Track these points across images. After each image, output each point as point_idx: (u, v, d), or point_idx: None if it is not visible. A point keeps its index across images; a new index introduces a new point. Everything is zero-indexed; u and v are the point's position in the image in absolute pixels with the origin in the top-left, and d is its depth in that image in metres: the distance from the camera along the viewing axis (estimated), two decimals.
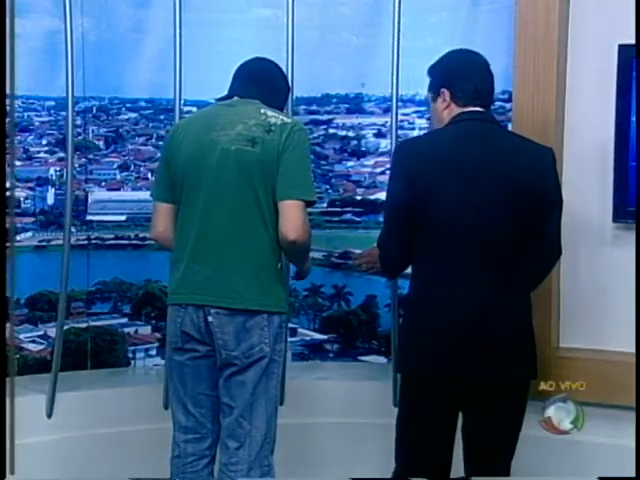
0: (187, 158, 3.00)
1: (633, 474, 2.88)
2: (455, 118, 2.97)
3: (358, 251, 3.77)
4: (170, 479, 3.17)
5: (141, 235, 4.14)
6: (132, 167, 4.16)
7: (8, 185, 3.70)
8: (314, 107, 4.20)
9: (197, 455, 3.12)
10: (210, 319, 2.96)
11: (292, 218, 2.89)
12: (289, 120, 2.99)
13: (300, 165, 2.95)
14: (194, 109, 3.99)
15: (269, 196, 2.92)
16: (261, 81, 3.09)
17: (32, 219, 4.03)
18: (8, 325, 3.70)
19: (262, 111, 2.98)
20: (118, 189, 4.14)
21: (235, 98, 3.07)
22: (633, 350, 3.38)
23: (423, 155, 2.92)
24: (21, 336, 3.99)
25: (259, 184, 2.91)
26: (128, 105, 4.13)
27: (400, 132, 3.88)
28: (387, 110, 3.96)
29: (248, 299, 2.95)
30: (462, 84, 2.99)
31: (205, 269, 2.97)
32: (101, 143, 4.12)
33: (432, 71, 3.09)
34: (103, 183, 4.12)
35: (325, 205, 4.21)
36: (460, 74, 3.01)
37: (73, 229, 3.90)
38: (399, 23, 3.74)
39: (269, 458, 3.05)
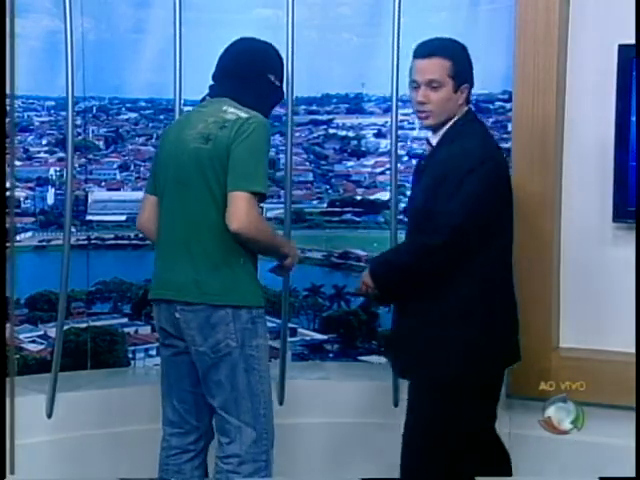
0: (163, 156, 3.13)
1: (633, 474, 2.88)
2: (473, 118, 3.04)
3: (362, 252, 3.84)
4: (160, 478, 3.19)
5: (141, 235, 4.13)
6: (132, 167, 4.16)
7: (8, 185, 3.71)
8: (314, 107, 4.19)
9: (180, 449, 3.16)
10: (177, 315, 3.02)
11: (235, 209, 2.90)
12: (245, 115, 2.99)
13: (249, 157, 2.95)
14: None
15: (224, 192, 2.95)
16: (232, 76, 3.11)
17: (32, 219, 4.02)
18: (8, 325, 3.71)
19: (224, 108, 3.02)
20: (118, 189, 4.14)
21: (207, 99, 3.16)
22: (633, 350, 3.38)
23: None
24: (21, 336, 3.99)
25: (213, 180, 2.96)
26: (128, 105, 4.13)
27: (400, 132, 3.89)
28: (387, 110, 3.96)
29: (209, 294, 2.98)
30: (473, 85, 3.05)
31: (172, 265, 3.04)
32: (101, 143, 4.12)
33: (459, 57, 3.01)
34: (103, 183, 4.12)
35: (325, 205, 4.21)
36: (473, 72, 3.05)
37: (73, 229, 3.90)
38: (399, 23, 3.74)
39: (267, 454, 3.05)
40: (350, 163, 4.24)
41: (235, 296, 3.00)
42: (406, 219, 3.29)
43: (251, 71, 3.10)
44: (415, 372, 3.03)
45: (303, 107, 4.15)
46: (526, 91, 3.59)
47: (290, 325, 4.08)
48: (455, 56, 2.97)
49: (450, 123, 2.99)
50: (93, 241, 4.09)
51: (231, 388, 3.01)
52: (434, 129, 3.03)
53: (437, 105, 2.96)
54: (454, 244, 2.86)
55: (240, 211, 2.89)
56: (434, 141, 3.03)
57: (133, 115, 4.13)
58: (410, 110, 4.05)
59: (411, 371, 3.06)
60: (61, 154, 3.98)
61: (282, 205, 3.87)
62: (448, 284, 2.90)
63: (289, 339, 4.05)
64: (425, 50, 2.98)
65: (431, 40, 3.01)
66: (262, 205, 3.10)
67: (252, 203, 2.91)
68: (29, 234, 4.02)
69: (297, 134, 4.09)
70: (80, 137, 4.02)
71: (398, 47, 3.73)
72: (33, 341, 4.03)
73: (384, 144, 4.13)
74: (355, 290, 3.34)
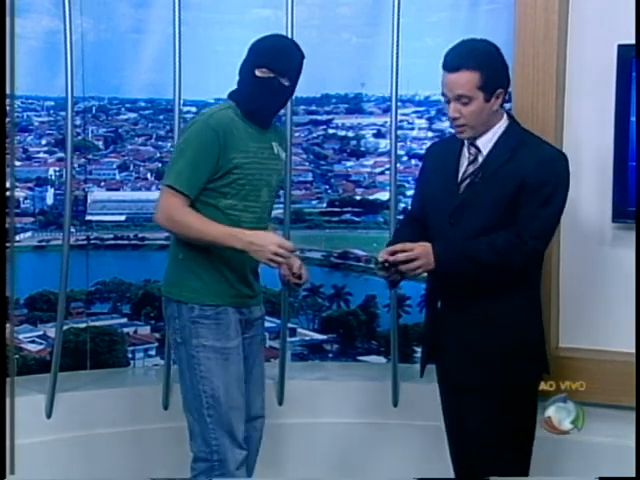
0: None
1: (633, 474, 2.88)
2: (514, 121, 2.96)
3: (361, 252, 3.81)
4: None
5: (140, 235, 4.14)
6: (131, 167, 4.16)
7: (8, 185, 3.71)
8: (313, 107, 4.19)
9: None
10: None
11: (157, 202, 3.07)
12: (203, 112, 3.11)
13: (175, 152, 3.11)
14: (193, 109, 4.00)
15: None
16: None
17: (31, 219, 4.02)
18: (8, 325, 3.71)
19: (203, 111, 3.15)
20: (117, 189, 4.14)
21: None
22: (633, 350, 3.38)
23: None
24: (20, 336, 3.99)
25: None
26: (127, 105, 4.12)
27: (399, 132, 3.89)
28: (386, 110, 3.96)
29: (163, 286, 3.19)
30: (509, 84, 2.98)
31: None
32: (100, 143, 4.12)
33: (489, 64, 2.85)
34: (102, 183, 4.12)
35: (324, 205, 4.21)
36: (509, 71, 2.97)
37: (72, 229, 3.91)
38: (399, 23, 3.75)
39: (219, 454, 3.05)
40: (349, 163, 4.24)
41: (176, 291, 3.10)
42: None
43: (241, 67, 3.10)
44: (484, 375, 2.91)
45: (302, 107, 4.15)
46: (525, 91, 3.59)
47: (289, 325, 4.09)
48: (484, 64, 2.82)
49: (499, 130, 2.90)
50: (92, 241, 4.09)
51: (181, 383, 3.10)
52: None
53: (470, 119, 2.85)
54: (544, 250, 2.90)
55: (157, 204, 3.05)
56: (484, 148, 2.90)
57: (132, 115, 4.13)
58: (409, 110, 4.07)
59: (476, 374, 2.92)
60: (60, 154, 3.98)
61: (282, 205, 3.86)
62: (517, 287, 2.89)
63: (288, 339, 4.05)
64: (452, 63, 2.84)
65: (458, 47, 2.88)
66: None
67: (165, 196, 3.01)
68: (28, 234, 4.01)
69: (296, 134, 4.09)
70: (79, 137, 4.02)
71: (398, 47, 3.73)
72: (32, 341, 4.03)
73: (383, 144, 4.13)
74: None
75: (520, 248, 2.80)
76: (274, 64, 3.03)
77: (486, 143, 2.90)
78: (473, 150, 2.92)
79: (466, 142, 2.93)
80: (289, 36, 3.72)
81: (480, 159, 2.90)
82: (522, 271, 2.87)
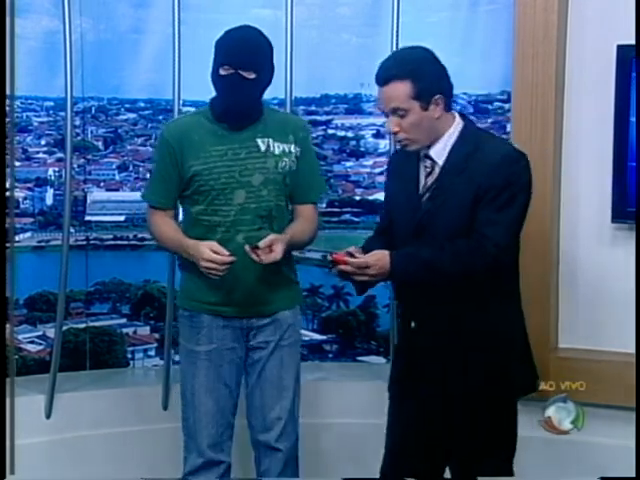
0: None
1: (633, 474, 2.88)
2: (469, 123, 2.84)
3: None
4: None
5: (140, 235, 4.13)
6: (131, 167, 4.15)
7: (7, 185, 3.71)
8: (313, 107, 4.19)
9: None
10: None
11: None
12: None
13: None
14: (193, 109, 3.99)
15: None
16: None
17: (31, 219, 4.02)
18: (7, 326, 3.70)
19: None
20: (117, 189, 4.14)
21: None
22: (633, 350, 3.39)
23: None
24: (20, 337, 3.98)
25: None
26: (127, 105, 4.12)
27: None
28: None
29: None
30: (451, 87, 2.82)
31: None
32: (100, 143, 4.11)
33: (420, 71, 2.72)
34: (102, 183, 4.11)
35: (324, 205, 4.20)
36: (448, 75, 2.81)
37: (72, 229, 3.91)
38: (398, 23, 3.75)
39: (187, 450, 3.19)
40: (349, 163, 4.24)
41: (178, 292, 3.33)
42: None
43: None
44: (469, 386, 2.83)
45: (302, 107, 4.14)
46: (525, 91, 3.59)
47: None
48: (414, 73, 2.70)
49: (451, 137, 2.78)
50: (92, 241, 4.09)
51: None
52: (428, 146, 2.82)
53: (410, 131, 2.74)
54: (507, 256, 2.77)
55: None
56: (439, 158, 2.78)
57: (132, 115, 4.13)
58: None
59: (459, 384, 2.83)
60: (60, 154, 3.98)
61: None
62: (494, 300, 2.80)
63: None
64: (382, 76, 2.74)
65: (388, 59, 2.80)
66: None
67: (148, 209, 3.19)
68: (28, 234, 4.01)
69: None
70: (79, 137, 4.02)
71: (397, 47, 3.72)
72: (32, 342, 4.03)
73: (383, 144, 4.13)
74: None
75: (481, 255, 2.68)
76: (233, 59, 2.98)
77: (440, 153, 2.79)
78: (428, 162, 2.81)
79: (421, 154, 2.82)
80: (288, 36, 3.73)
81: (436, 169, 2.79)
82: (486, 279, 2.73)
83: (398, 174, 2.94)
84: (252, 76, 2.98)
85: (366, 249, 2.84)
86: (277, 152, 3.08)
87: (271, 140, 3.07)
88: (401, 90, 2.71)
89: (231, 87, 2.99)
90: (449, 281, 2.73)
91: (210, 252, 2.90)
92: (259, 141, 3.06)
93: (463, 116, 2.87)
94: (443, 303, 2.79)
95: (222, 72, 3.00)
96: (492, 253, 2.69)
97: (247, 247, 2.91)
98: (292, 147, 3.11)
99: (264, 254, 2.92)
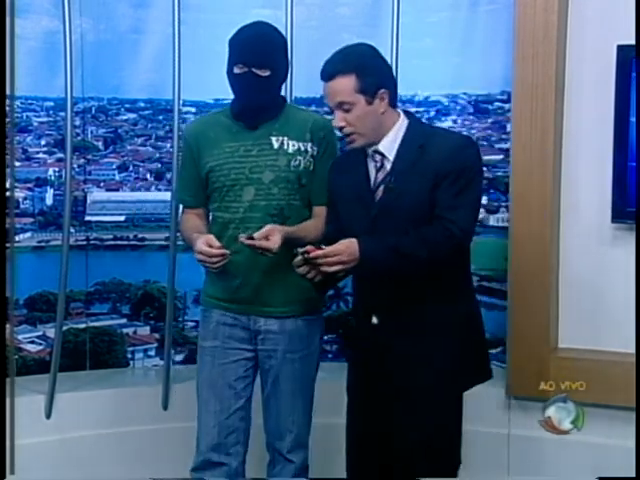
0: None
1: (633, 474, 2.88)
2: (415, 119, 2.87)
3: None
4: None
5: (140, 235, 4.14)
6: (131, 168, 4.15)
7: (7, 185, 3.71)
8: (313, 108, 4.18)
9: None
10: None
11: None
12: None
13: None
14: (193, 110, 4.00)
15: None
16: None
17: (31, 220, 4.02)
18: (7, 326, 3.70)
19: None
20: (117, 190, 4.13)
21: None
22: (633, 350, 3.38)
23: None
24: (20, 337, 3.98)
25: None
26: (127, 106, 4.12)
27: None
28: None
29: None
30: (395, 84, 2.85)
31: None
32: (100, 144, 4.11)
33: (364, 65, 2.75)
34: (102, 184, 4.11)
35: None
36: (392, 71, 2.89)
37: (72, 230, 3.91)
38: (398, 23, 3.75)
39: (197, 452, 3.17)
40: None
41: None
42: None
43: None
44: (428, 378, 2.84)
45: (302, 108, 4.13)
46: (525, 92, 3.59)
47: None
48: (358, 67, 2.73)
49: (399, 132, 2.79)
50: (92, 242, 4.09)
51: None
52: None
53: (357, 125, 2.75)
54: (470, 239, 2.81)
55: None
56: (389, 153, 2.79)
57: (132, 115, 4.12)
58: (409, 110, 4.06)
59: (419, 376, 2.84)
60: (60, 155, 3.98)
61: None
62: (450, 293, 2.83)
63: None
64: (327, 71, 2.77)
65: (333, 55, 2.81)
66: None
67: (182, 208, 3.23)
68: (28, 235, 4.01)
69: None
70: (79, 138, 4.02)
71: (397, 47, 3.73)
72: (32, 342, 4.03)
73: None
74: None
75: (447, 238, 2.68)
76: (246, 58, 2.96)
77: (389, 147, 2.79)
78: (378, 157, 2.81)
79: (369, 151, 2.82)
80: (288, 36, 3.72)
81: (387, 164, 2.79)
82: (447, 271, 2.75)
83: (344, 173, 2.92)
84: (266, 73, 2.96)
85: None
86: (291, 150, 3.02)
87: (286, 138, 3.03)
88: (346, 84, 2.73)
89: (245, 85, 2.97)
90: (417, 267, 2.71)
91: (202, 244, 2.88)
92: (273, 139, 3.02)
93: (407, 113, 2.89)
94: (407, 297, 2.78)
95: (236, 70, 2.97)
96: (458, 236, 2.70)
97: (242, 237, 2.86)
98: (308, 146, 3.04)
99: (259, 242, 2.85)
